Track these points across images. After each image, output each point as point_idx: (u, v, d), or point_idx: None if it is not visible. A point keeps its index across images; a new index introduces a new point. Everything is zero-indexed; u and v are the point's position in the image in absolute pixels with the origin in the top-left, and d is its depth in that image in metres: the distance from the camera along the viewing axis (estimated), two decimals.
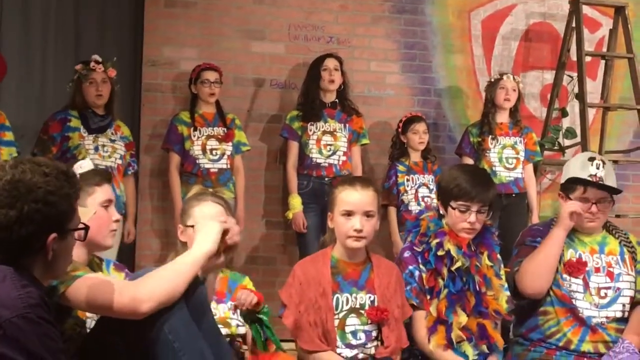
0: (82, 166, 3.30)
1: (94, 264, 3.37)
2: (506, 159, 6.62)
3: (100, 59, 5.99)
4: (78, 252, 3.17)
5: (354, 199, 3.85)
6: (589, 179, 4.19)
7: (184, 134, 6.29)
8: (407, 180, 6.51)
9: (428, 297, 3.98)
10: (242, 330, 3.93)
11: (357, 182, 3.95)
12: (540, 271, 4.17)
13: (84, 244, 3.16)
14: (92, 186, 3.26)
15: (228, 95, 6.73)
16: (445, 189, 4.06)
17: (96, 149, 5.95)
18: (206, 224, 3.05)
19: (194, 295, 2.94)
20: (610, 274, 4.23)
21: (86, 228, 2.65)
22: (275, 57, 7.01)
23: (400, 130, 6.61)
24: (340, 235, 3.88)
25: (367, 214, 3.84)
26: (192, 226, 3.66)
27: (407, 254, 4.06)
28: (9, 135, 5.69)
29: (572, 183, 4.25)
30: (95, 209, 3.25)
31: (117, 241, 5.96)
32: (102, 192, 3.29)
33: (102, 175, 3.34)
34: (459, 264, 3.97)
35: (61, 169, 2.53)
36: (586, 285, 4.19)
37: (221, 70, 6.42)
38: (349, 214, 3.84)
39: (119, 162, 6.04)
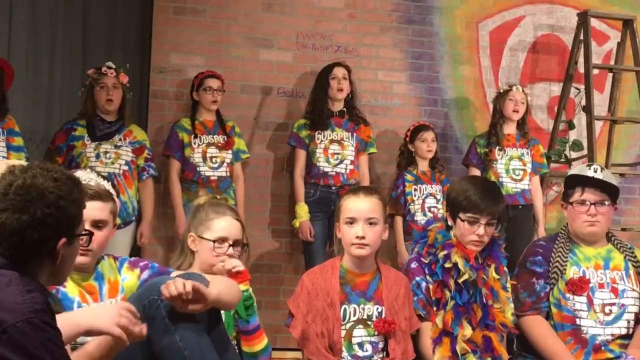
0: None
1: (107, 266, 3.35)
2: (513, 170, 6.62)
3: (113, 65, 6.03)
4: None
5: (356, 206, 3.87)
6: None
7: (185, 141, 6.30)
8: (415, 190, 6.50)
9: (434, 308, 3.97)
10: None
11: (360, 191, 3.99)
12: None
13: None
14: None
15: (235, 103, 6.75)
16: (455, 201, 4.05)
17: (97, 156, 5.96)
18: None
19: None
20: (614, 290, 4.22)
21: (90, 234, 2.64)
22: (283, 65, 7.01)
23: (408, 139, 6.61)
24: (345, 243, 3.89)
25: (370, 221, 3.85)
26: (209, 239, 3.66)
27: (414, 265, 4.06)
28: (18, 141, 5.70)
29: (571, 187, 4.28)
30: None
31: (127, 243, 6.02)
32: None
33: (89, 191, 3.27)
34: (466, 276, 3.96)
35: (69, 175, 2.52)
36: (590, 303, 4.18)
37: (223, 78, 6.44)
38: (351, 221, 3.85)
39: (125, 168, 6.04)
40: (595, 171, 4.23)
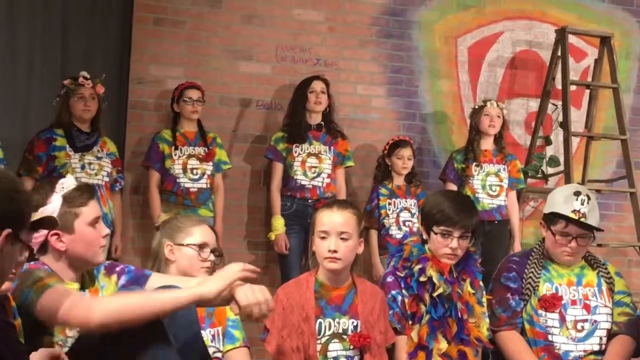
0: (64, 185, 3.25)
1: (85, 275, 3.33)
2: (489, 186, 6.63)
3: (88, 76, 6.00)
4: (66, 273, 3.18)
5: (329, 220, 3.86)
6: (572, 215, 4.16)
7: (165, 152, 6.29)
8: (389, 203, 6.51)
9: (410, 322, 3.98)
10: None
11: (334, 204, 3.97)
12: None
13: (75, 262, 3.16)
14: (78, 207, 3.20)
15: (214, 114, 6.75)
16: (429, 214, 4.07)
17: (82, 167, 5.94)
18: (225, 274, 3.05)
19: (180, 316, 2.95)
20: (587, 307, 4.22)
21: (31, 249, 2.56)
22: (262, 77, 7.02)
23: (385, 152, 6.62)
24: (318, 257, 3.88)
25: (342, 236, 3.83)
26: (193, 244, 3.69)
27: (390, 279, 4.06)
28: None
29: (555, 216, 4.26)
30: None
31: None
32: (90, 211, 3.23)
33: (87, 193, 3.30)
34: (440, 290, 3.96)
35: (11, 176, 2.47)
36: (562, 319, 4.18)
37: (203, 89, 6.43)
38: (324, 235, 3.84)
39: (106, 179, 6.03)
40: (582, 203, 4.20)
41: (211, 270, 3.76)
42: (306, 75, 6.70)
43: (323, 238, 3.85)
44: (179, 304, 2.91)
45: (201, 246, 3.73)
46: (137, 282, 3.30)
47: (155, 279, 3.31)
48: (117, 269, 3.43)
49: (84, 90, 5.96)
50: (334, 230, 3.83)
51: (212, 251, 3.77)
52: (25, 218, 2.47)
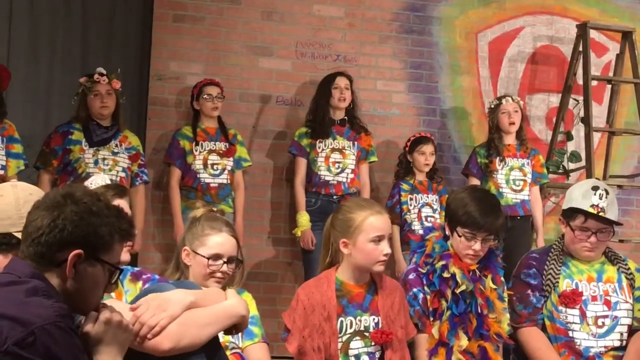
0: (92, 182, 3.26)
1: None
2: (513, 180, 6.60)
3: (104, 72, 5.98)
4: None
5: (382, 225, 3.84)
6: (590, 210, 4.16)
7: (186, 149, 6.30)
8: (410, 199, 6.50)
9: (431, 319, 3.97)
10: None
11: (377, 207, 3.93)
12: None
13: None
14: None
15: (234, 110, 6.76)
16: (454, 214, 4.04)
17: (96, 162, 5.94)
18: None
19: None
20: (607, 303, 4.22)
21: (120, 270, 2.56)
22: (282, 73, 7.02)
23: (407, 148, 6.60)
24: (369, 260, 3.81)
25: (389, 238, 3.88)
26: (205, 257, 3.61)
27: (412, 276, 4.05)
28: (17, 148, 5.68)
29: (574, 211, 4.24)
30: None
31: None
32: None
33: (114, 191, 3.29)
34: (463, 287, 3.96)
35: (116, 207, 2.52)
36: (583, 315, 4.18)
37: (222, 86, 6.44)
38: (379, 239, 3.81)
39: (122, 174, 6.02)
40: (601, 197, 4.19)
41: (226, 280, 3.69)
42: (326, 71, 6.70)
43: (377, 242, 3.80)
44: (230, 322, 2.90)
45: (213, 257, 3.61)
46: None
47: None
48: (144, 276, 3.44)
49: (100, 87, 5.95)
50: (387, 233, 3.84)
51: (229, 261, 3.65)
52: (105, 242, 2.47)
